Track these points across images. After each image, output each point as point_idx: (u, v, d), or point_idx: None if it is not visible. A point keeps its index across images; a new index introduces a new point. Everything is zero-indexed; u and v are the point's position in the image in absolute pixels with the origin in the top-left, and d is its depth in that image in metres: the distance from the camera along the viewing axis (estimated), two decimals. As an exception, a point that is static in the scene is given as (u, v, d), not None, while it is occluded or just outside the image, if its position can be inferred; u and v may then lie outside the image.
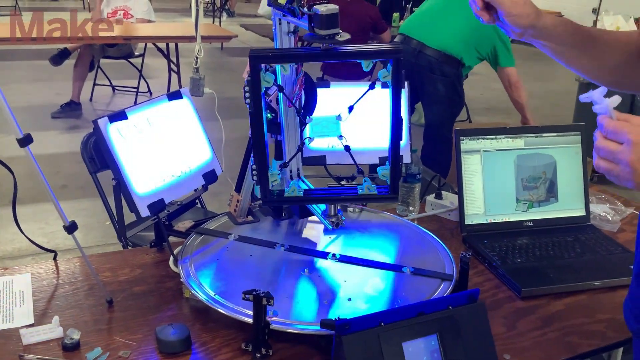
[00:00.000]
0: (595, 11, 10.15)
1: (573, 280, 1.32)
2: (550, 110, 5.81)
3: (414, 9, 6.10)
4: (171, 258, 1.29)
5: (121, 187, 1.16)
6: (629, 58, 1.10)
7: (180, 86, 5.00)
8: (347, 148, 1.19)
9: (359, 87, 1.64)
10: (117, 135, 1.16)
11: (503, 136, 1.53)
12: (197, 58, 2.91)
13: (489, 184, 1.52)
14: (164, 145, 1.25)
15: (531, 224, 1.54)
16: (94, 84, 5.47)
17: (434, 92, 3.10)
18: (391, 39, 5.19)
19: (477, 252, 1.43)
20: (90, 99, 5.47)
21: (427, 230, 1.42)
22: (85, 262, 1.27)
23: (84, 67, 5.00)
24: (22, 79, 6.03)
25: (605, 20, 4.02)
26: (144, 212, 1.18)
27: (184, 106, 1.33)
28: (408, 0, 6.12)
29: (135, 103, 5.45)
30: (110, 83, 5.68)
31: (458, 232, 1.56)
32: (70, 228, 1.09)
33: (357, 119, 1.21)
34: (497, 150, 1.53)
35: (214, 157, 1.39)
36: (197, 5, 2.87)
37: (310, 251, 1.30)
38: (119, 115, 1.18)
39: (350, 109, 1.16)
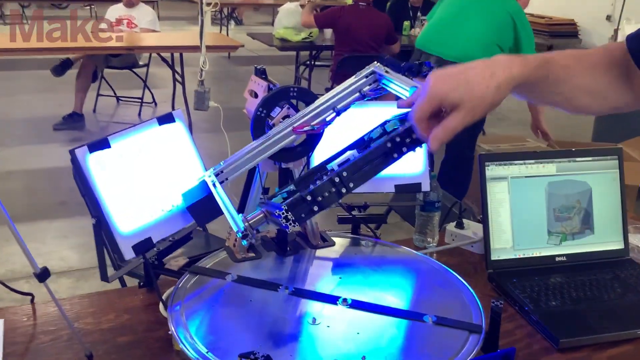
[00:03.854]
0: (610, 18, 10.00)
1: (617, 328, 1.16)
2: (567, 121, 5.63)
3: (423, 19, 5.97)
4: (160, 304, 1.14)
5: (102, 226, 1.01)
6: (613, 81, 0.94)
7: (185, 97, 4.89)
8: None
9: (370, 107, 1.50)
10: (98, 167, 1.02)
11: (533, 161, 1.37)
12: (202, 70, 2.78)
13: (518, 215, 1.36)
14: (153, 176, 1.10)
15: (564, 259, 1.38)
16: (98, 95, 5.36)
17: None
18: (400, 48, 5.07)
19: (506, 292, 1.27)
20: (94, 110, 5.36)
21: (449, 269, 1.26)
22: (65, 307, 1.13)
23: (86, 77, 4.88)
24: (24, 90, 5.93)
25: (626, 29, 3.86)
26: (128, 254, 1.03)
27: (177, 130, 1.18)
28: (417, 8, 5.99)
29: (139, 114, 5.36)
30: (114, 93, 5.57)
31: (483, 268, 1.40)
32: (42, 276, 0.94)
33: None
34: (526, 177, 1.37)
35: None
36: (201, 15, 2.74)
37: (318, 295, 1.15)
38: (101, 144, 1.04)
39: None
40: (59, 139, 4.68)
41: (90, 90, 5.05)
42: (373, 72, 1.08)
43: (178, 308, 1.08)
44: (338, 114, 1.06)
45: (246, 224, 0.95)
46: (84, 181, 1.01)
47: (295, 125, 1.10)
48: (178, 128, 1.19)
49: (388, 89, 1.06)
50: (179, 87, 5.02)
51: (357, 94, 1.07)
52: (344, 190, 0.85)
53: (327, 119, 1.06)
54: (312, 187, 0.84)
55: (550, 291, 1.26)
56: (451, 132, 0.81)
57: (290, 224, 0.86)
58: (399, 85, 1.01)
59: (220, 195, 1.04)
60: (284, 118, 1.16)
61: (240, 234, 0.94)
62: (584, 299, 1.25)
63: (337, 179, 0.84)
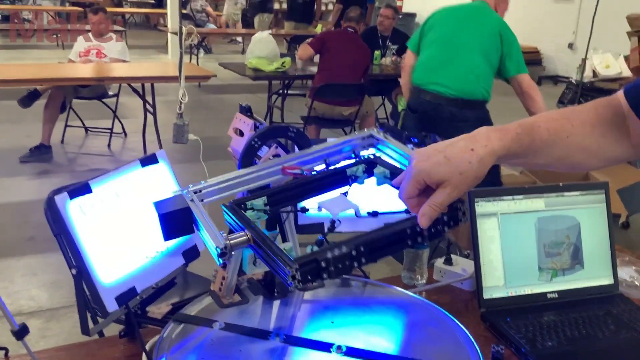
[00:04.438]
0: (572, 46, 10.28)
1: (615, 367, 1.14)
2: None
3: (394, 48, 6.03)
4: (144, 356, 1.08)
5: (83, 278, 0.96)
6: (607, 134, 0.93)
7: (156, 127, 4.82)
8: (374, 214, 1.02)
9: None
10: (79, 213, 0.96)
11: (521, 196, 1.36)
12: (180, 103, 2.74)
13: (509, 252, 1.34)
14: (137, 221, 1.05)
15: (556, 295, 1.36)
16: (66, 125, 5.25)
17: None
18: (370, 78, 5.14)
19: (501, 333, 1.24)
20: (62, 141, 5.24)
21: (443, 310, 1.23)
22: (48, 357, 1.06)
23: (54, 108, 4.78)
24: (-10, 120, 5.79)
25: (594, 58, 3.95)
26: (112, 306, 0.97)
27: (161, 172, 1.13)
28: (386, 37, 6.05)
29: (109, 145, 5.26)
30: (83, 124, 5.46)
31: (474, 306, 1.37)
32: (20, 333, 0.88)
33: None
34: (515, 212, 1.35)
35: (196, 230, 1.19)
36: (181, 48, 2.71)
37: (311, 343, 1.10)
38: (82, 189, 0.98)
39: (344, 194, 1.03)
40: (25, 171, 4.55)
41: (58, 121, 4.94)
42: (371, 136, 1.05)
43: (164, 361, 1.02)
44: (327, 167, 1.03)
45: (227, 242, 0.88)
46: (63, 230, 0.96)
47: (285, 164, 1.06)
48: (162, 169, 1.14)
49: (383, 155, 1.03)
50: (149, 117, 4.95)
51: (351, 155, 1.04)
52: (355, 265, 0.80)
53: (316, 168, 1.03)
54: (330, 254, 0.78)
55: (545, 330, 1.24)
56: (438, 208, 0.82)
57: (295, 283, 0.80)
58: (397, 152, 0.99)
59: (200, 209, 0.96)
60: (273, 156, 1.13)
61: (218, 249, 0.86)
62: (579, 338, 1.22)
63: (354, 252, 0.79)
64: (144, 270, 1.04)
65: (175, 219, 0.93)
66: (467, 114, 2.98)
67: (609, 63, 3.89)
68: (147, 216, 1.08)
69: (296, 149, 1.20)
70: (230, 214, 0.94)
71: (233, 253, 0.89)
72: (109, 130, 5.29)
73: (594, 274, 1.40)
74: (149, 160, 1.11)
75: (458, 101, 3.00)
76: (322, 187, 1.03)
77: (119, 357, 1.14)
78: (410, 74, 3.33)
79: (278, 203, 1.01)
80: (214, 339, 1.10)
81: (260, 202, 0.97)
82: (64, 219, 0.95)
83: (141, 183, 1.09)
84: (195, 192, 1.00)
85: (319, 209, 1.09)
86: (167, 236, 0.91)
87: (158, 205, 0.93)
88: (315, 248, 0.85)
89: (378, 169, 1.01)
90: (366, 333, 1.15)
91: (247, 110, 1.25)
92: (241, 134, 1.24)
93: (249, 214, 0.95)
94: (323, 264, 0.78)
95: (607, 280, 1.41)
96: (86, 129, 5.52)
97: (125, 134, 5.51)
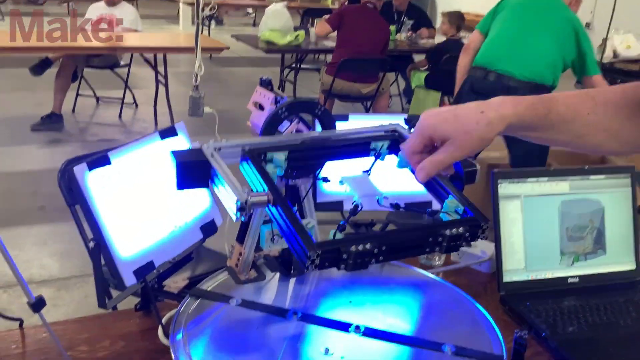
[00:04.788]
0: (589, 26, 10.09)
1: (637, 355, 1.12)
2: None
3: (410, 23, 5.94)
4: (160, 330, 1.07)
5: (102, 251, 0.94)
6: (633, 118, 0.88)
7: (168, 99, 4.79)
8: (397, 206, 1.00)
9: (379, 120, 1.44)
10: (98, 186, 0.94)
11: (546, 179, 1.33)
12: (196, 75, 2.69)
13: (531, 235, 1.31)
14: (156, 195, 1.03)
15: (577, 280, 1.34)
16: (77, 95, 5.22)
17: None
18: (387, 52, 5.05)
19: (520, 316, 1.22)
20: (73, 111, 5.22)
21: (463, 292, 1.21)
22: (57, 333, 1.05)
23: (66, 77, 4.75)
24: (1, 88, 5.76)
25: (615, 38, 3.87)
26: (130, 280, 0.96)
27: (180, 144, 1.11)
28: (401, 12, 5.96)
29: (120, 115, 5.24)
30: (94, 94, 5.44)
31: (493, 288, 1.35)
32: (37, 305, 0.86)
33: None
34: (539, 195, 1.32)
35: (214, 204, 1.17)
36: (198, 19, 2.66)
37: (329, 322, 1.08)
38: (101, 161, 0.96)
39: (367, 172, 1.01)
40: (37, 140, 4.54)
41: (70, 90, 4.92)
42: (395, 131, 1.01)
43: (180, 336, 1.01)
44: None
45: (248, 198, 0.84)
46: (82, 202, 0.94)
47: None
48: (181, 141, 1.11)
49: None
50: (161, 88, 4.92)
51: (372, 151, 1.01)
52: (373, 262, 0.79)
53: None
54: (354, 247, 0.76)
55: (565, 316, 1.22)
56: (438, 164, 0.81)
57: (311, 267, 0.78)
58: None
59: (220, 163, 0.92)
60: (295, 132, 1.10)
61: (239, 202, 0.83)
62: (600, 324, 1.20)
63: (376, 250, 0.78)
64: (161, 244, 1.02)
65: (192, 169, 0.90)
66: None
67: (630, 43, 3.81)
68: (166, 190, 1.06)
69: (317, 126, 1.17)
70: (250, 162, 0.90)
71: (251, 211, 0.85)
72: (120, 101, 5.26)
73: (616, 260, 1.38)
74: (168, 132, 1.08)
75: (530, 85, 2.88)
76: (344, 153, 1.00)
77: (134, 330, 1.13)
78: (473, 56, 3.18)
79: (299, 160, 0.98)
80: (230, 316, 1.09)
81: (282, 156, 0.93)
82: (83, 190, 0.93)
83: (160, 156, 1.06)
84: (215, 149, 0.97)
85: (341, 182, 1.07)
86: (181, 185, 0.89)
87: (176, 154, 0.90)
88: (338, 234, 0.83)
89: None
90: (384, 313, 1.13)
91: (267, 84, 1.21)
92: (261, 107, 1.21)
93: (267, 167, 0.92)
94: (344, 256, 0.77)
95: (629, 266, 1.39)
96: (97, 99, 5.50)
97: (137, 105, 5.48)
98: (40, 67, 4.72)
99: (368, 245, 0.76)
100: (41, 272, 2.79)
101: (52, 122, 4.76)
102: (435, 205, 0.97)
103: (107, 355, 1.05)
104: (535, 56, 2.91)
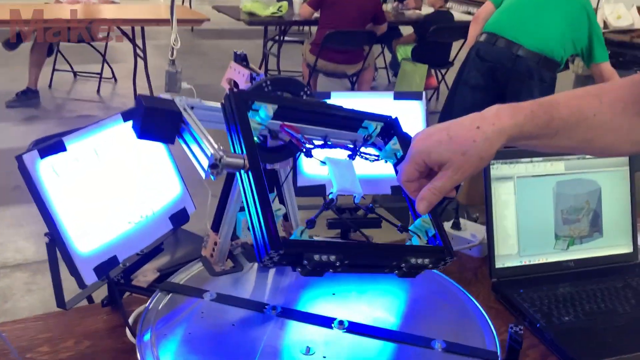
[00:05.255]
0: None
1: (637, 346, 1.06)
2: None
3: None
4: (127, 329, 0.99)
5: (57, 246, 0.85)
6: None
7: (147, 73, 4.65)
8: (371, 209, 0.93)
9: (364, 98, 1.35)
10: (51, 174, 0.85)
11: (540, 159, 1.25)
12: (172, 49, 2.57)
13: (524, 218, 1.24)
14: (118, 183, 0.94)
15: (572, 264, 1.27)
16: (53, 69, 5.06)
17: (528, 99, 2.77)
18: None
19: (513, 305, 1.16)
20: (50, 86, 5.07)
21: (454, 282, 1.13)
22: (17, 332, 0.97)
23: (41, 51, 4.59)
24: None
25: (605, 8, 3.78)
26: (90, 277, 0.87)
27: (145, 127, 1.01)
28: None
29: (98, 90, 5.08)
30: (72, 68, 5.27)
31: (483, 274, 1.29)
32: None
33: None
34: (533, 176, 1.25)
35: (185, 191, 1.08)
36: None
37: (310, 317, 1.01)
38: (54, 147, 0.87)
39: (351, 157, 0.93)
40: (12, 117, 4.40)
41: (46, 65, 4.75)
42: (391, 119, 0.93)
43: (148, 337, 0.92)
44: (324, 145, 0.92)
45: (222, 155, 0.75)
46: (34, 192, 0.84)
47: (286, 122, 0.94)
48: (146, 124, 1.02)
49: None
50: (140, 62, 4.77)
51: (362, 130, 0.93)
52: (330, 271, 0.74)
53: (315, 142, 0.92)
54: (317, 257, 0.71)
55: (561, 304, 1.15)
56: (439, 192, 0.74)
57: (266, 262, 0.72)
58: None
59: (193, 117, 0.83)
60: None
61: (212, 157, 0.74)
62: (598, 312, 1.14)
63: (338, 263, 0.73)
64: (126, 237, 0.94)
65: (160, 118, 0.80)
66: (544, 74, 2.77)
67: (621, 14, 3.72)
68: (130, 177, 0.97)
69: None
70: (234, 109, 0.81)
71: (223, 171, 0.77)
72: (99, 75, 5.11)
73: (612, 242, 1.31)
74: (132, 113, 0.99)
75: (539, 57, 2.79)
76: (334, 123, 0.92)
77: (100, 328, 1.05)
78: (482, 25, 3.07)
79: (287, 118, 0.89)
80: (204, 312, 1.01)
81: (270, 110, 0.84)
82: (34, 181, 0.83)
83: (123, 139, 0.97)
84: (188, 106, 0.88)
85: (322, 163, 0.97)
86: (143, 134, 0.79)
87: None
88: (306, 233, 0.78)
89: (393, 144, 0.90)
90: (369, 305, 1.06)
91: (242, 59, 1.12)
92: (236, 85, 1.12)
93: (251, 121, 0.83)
94: (304, 261, 0.72)
95: (626, 249, 1.32)
96: (75, 74, 5.33)
97: (115, 79, 5.33)
98: (14, 42, 4.54)
99: (332, 258, 0.71)
100: (16, 255, 2.70)
101: (27, 98, 4.61)
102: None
103: (70, 357, 0.97)
104: (547, 29, 2.81)
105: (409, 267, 0.79)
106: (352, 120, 0.92)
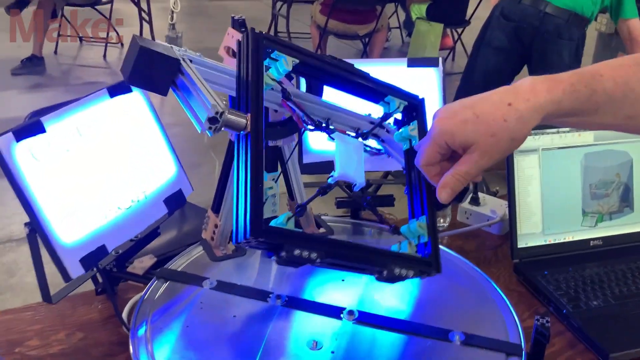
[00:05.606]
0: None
1: (673, 334, 0.97)
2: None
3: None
4: (124, 318, 0.92)
5: (39, 236, 0.78)
6: None
7: (152, 36, 4.54)
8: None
9: (376, 65, 1.25)
10: (29, 159, 0.77)
11: (567, 129, 1.15)
12: (172, 12, 2.46)
13: (549, 194, 1.15)
14: (105, 167, 0.86)
15: (600, 242, 1.19)
16: (59, 35, 4.94)
17: (557, 60, 2.61)
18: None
19: (538, 289, 1.07)
20: (55, 52, 4.97)
21: (475, 267, 1.05)
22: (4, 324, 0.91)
23: (45, 16, 4.47)
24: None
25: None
26: (75, 270, 0.80)
27: (135, 103, 0.93)
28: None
29: (104, 56, 4.98)
30: (77, 33, 5.15)
31: (504, 253, 1.20)
32: None
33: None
34: (559, 148, 1.15)
35: (180, 171, 1.00)
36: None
37: (317, 306, 0.93)
38: (32, 129, 0.78)
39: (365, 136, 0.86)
40: (17, 85, 4.32)
41: (51, 31, 4.65)
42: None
43: (143, 330, 0.86)
44: (326, 129, 0.82)
45: (224, 109, 0.67)
46: (10, 179, 0.77)
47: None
48: (136, 100, 0.93)
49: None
50: (146, 25, 4.65)
51: (383, 104, 0.84)
52: (307, 264, 0.68)
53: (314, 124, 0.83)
54: (297, 251, 0.65)
55: (589, 287, 1.07)
56: (463, 179, 0.65)
57: (244, 244, 0.64)
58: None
59: (193, 69, 0.75)
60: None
61: (214, 109, 0.66)
62: (629, 296, 1.05)
63: (318, 260, 0.67)
64: (116, 224, 0.86)
65: (156, 63, 0.71)
66: (574, 32, 2.60)
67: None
68: (117, 158, 0.89)
69: (302, 84, 0.99)
70: (249, 47, 0.72)
71: (222, 129, 0.68)
72: (104, 41, 5.00)
73: (644, 218, 1.22)
74: (119, 88, 0.90)
75: (568, 14, 2.62)
76: (355, 90, 0.82)
77: (94, 319, 0.98)
78: None
79: (305, 74, 0.82)
80: (203, 301, 0.93)
81: (289, 63, 0.75)
82: (10, 166, 0.75)
83: (110, 117, 0.88)
84: (188, 59, 0.79)
85: (330, 139, 0.87)
86: (133, 77, 0.70)
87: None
88: (291, 222, 0.73)
89: (412, 129, 0.81)
90: (381, 293, 0.98)
91: (240, 25, 1.02)
92: (234, 54, 1.02)
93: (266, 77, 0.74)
94: (282, 253, 0.65)
95: (658, 225, 1.23)
96: (80, 39, 5.22)
97: (122, 44, 5.21)
98: (17, 5, 4.44)
99: (313, 255, 0.65)
100: (22, 228, 2.64)
101: (33, 65, 4.52)
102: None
103: (61, 351, 0.91)
104: None
105: (389, 276, 0.73)
106: (375, 91, 0.82)
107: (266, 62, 0.74)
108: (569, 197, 1.16)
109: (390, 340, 0.88)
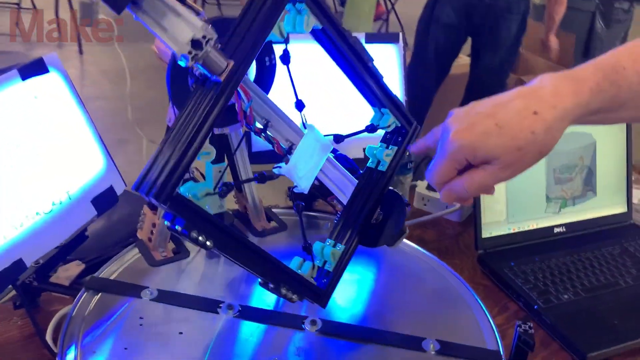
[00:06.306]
0: None
1: (646, 327, 0.93)
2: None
3: None
4: (49, 337, 0.79)
5: None
6: None
7: (70, 3, 4.20)
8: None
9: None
10: None
11: (532, 111, 1.08)
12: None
13: (514, 179, 1.08)
14: (17, 165, 0.71)
15: (563, 229, 1.14)
16: (-37, -1, 4.51)
17: (506, 33, 2.53)
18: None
19: (504, 282, 1.01)
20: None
21: (439, 260, 0.97)
22: None
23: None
24: None
25: None
26: (-14, 291, 0.66)
27: (53, 86, 0.78)
28: None
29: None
30: (-17, -3, 4.72)
31: (465, 242, 1.14)
32: None
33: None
34: (524, 131, 1.08)
35: (111, 164, 0.86)
36: None
37: (275, 316, 0.83)
38: None
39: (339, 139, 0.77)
40: None
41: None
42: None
43: (73, 355, 0.73)
44: (264, 132, 0.72)
45: (212, 37, 0.54)
46: None
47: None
48: (54, 81, 0.78)
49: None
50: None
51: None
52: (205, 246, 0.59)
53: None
54: (194, 233, 0.56)
55: (557, 278, 1.01)
56: (476, 189, 0.58)
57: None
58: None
59: None
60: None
61: (200, 35, 0.53)
62: (599, 287, 1.01)
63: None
64: (34, 233, 0.72)
65: None
66: (521, 5, 2.53)
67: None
68: (34, 153, 0.74)
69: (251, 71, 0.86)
70: None
71: (200, 61, 0.54)
72: (17, 5, 4.60)
73: (606, 202, 1.18)
74: (32, 68, 0.75)
75: None
76: (362, 84, 0.72)
77: (14, 336, 0.84)
78: None
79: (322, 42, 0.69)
80: (143, 316, 0.81)
81: (309, 23, 0.64)
82: None
83: (22, 104, 0.73)
84: None
85: (304, 126, 0.76)
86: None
87: None
88: (209, 199, 0.68)
89: (387, 153, 0.74)
90: (346, 298, 0.88)
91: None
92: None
93: None
94: (178, 227, 0.56)
95: (620, 209, 1.20)
96: (-12, 3, 4.79)
97: (35, 7, 4.81)
98: None
99: (208, 243, 0.58)
100: None
101: None
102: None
103: (-26, 381, 0.77)
104: None
105: (273, 290, 0.68)
106: (377, 96, 0.72)
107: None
108: (533, 184, 1.10)
109: (359, 352, 0.79)
